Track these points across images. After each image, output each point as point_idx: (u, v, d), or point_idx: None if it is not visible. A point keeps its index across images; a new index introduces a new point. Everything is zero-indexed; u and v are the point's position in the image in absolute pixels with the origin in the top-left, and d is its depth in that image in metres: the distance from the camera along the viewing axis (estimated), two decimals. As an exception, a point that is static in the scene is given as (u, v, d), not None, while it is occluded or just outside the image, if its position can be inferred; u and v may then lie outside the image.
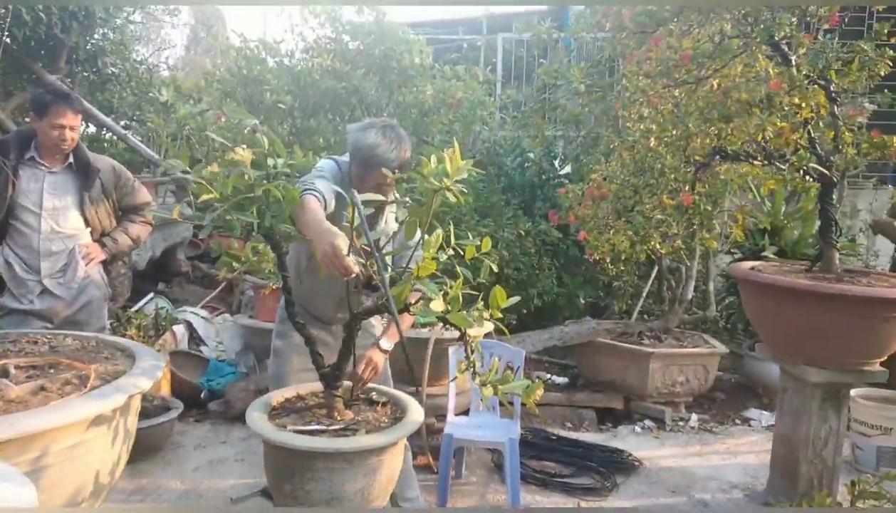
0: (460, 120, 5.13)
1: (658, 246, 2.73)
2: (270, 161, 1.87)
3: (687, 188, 2.44)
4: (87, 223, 2.91)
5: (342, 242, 1.71)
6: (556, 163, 5.65)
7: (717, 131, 2.36)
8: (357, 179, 2.21)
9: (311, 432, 1.88)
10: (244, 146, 1.77)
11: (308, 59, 5.03)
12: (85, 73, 5.68)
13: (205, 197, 1.77)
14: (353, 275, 1.72)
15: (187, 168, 1.73)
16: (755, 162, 2.47)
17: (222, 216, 1.84)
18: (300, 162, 2.08)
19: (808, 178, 2.54)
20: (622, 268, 3.63)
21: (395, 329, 2.23)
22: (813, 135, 2.62)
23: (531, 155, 5.61)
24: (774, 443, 3.18)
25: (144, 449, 3.27)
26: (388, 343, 2.29)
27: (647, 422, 4.17)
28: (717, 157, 2.48)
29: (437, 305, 1.68)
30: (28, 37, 4.79)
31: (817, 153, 2.52)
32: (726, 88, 2.28)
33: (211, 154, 4.71)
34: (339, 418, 2.00)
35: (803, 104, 2.25)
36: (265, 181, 1.82)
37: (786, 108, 2.27)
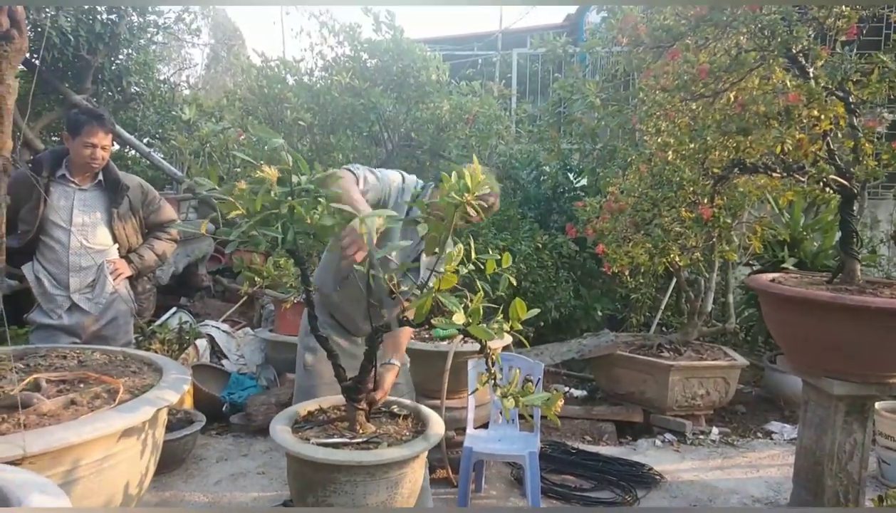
0: (476, 135, 5.17)
1: (677, 259, 2.72)
2: (294, 178, 1.91)
3: (706, 201, 2.44)
4: (114, 239, 2.98)
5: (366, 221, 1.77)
6: (572, 176, 5.67)
7: (735, 144, 2.37)
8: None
9: (334, 445, 1.90)
10: (270, 164, 1.81)
11: (327, 77, 5.11)
12: (110, 93, 5.82)
13: (233, 213, 1.81)
14: (364, 256, 1.81)
15: (215, 186, 1.78)
16: (774, 174, 2.46)
17: (248, 232, 1.89)
18: (321, 178, 2.13)
19: (827, 189, 2.53)
20: (640, 281, 3.62)
21: (399, 345, 2.27)
22: (832, 146, 2.62)
23: (547, 168, 5.64)
24: (797, 456, 3.14)
25: (168, 462, 3.32)
26: (398, 361, 2.31)
27: (668, 435, 4.14)
28: (736, 169, 2.49)
29: (459, 318, 1.70)
30: (56, 58, 4.93)
31: (837, 164, 2.51)
32: (744, 101, 2.29)
33: (232, 171, 4.80)
34: (361, 431, 2.01)
35: (822, 116, 2.25)
36: (289, 198, 1.87)
37: (804, 121, 2.27)
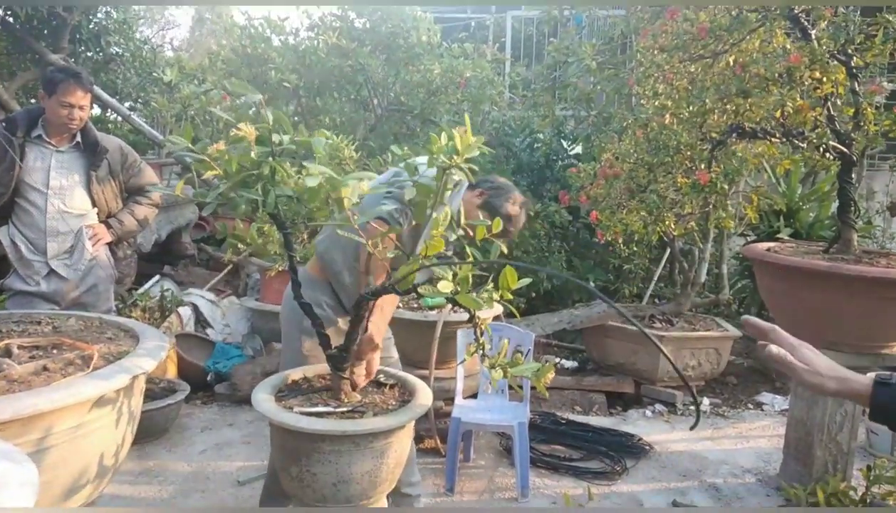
0: (469, 99, 5.05)
1: (672, 226, 2.65)
2: (276, 137, 1.82)
3: (703, 166, 2.37)
4: (93, 203, 2.88)
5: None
6: (566, 144, 5.57)
7: (734, 107, 2.28)
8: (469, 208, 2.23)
9: (318, 414, 1.84)
10: (247, 123, 1.72)
11: (314, 37, 4.95)
12: (88, 53, 5.63)
13: (209, 174, 1.72)
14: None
15: (190, 146, 1.68)
16: (773, 139, 2.39)
17: (226, 194, 1.80)
18: (305, 140, 2.03)
19: (827, 155, 2.46)
20: (634, 250, 3.56)
21: (382, 314, 2.17)
22: (832, 112, 2.54)
23: (541, 135, 5.54)
24: (788, 427, 3.13)
25: (151, 431, 3.27)
26: (374, 326, 2.12)
27: (658, 406, 4.13)
28: (734, 134, 2.41)
29: (446, 286, 1.63)
30: (30, 15, 4.74)
31: (837, 130, 2.44)
32: (744, 63, 2.20)
33: (216, 135, 4.66)
34: (345, 400, 1.96)
35: (824, 79, 2.16)
36: (270, 158, 1.77)
37: (806, 83, 2.18)
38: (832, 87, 2.18)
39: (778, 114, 2.27)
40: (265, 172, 1.82)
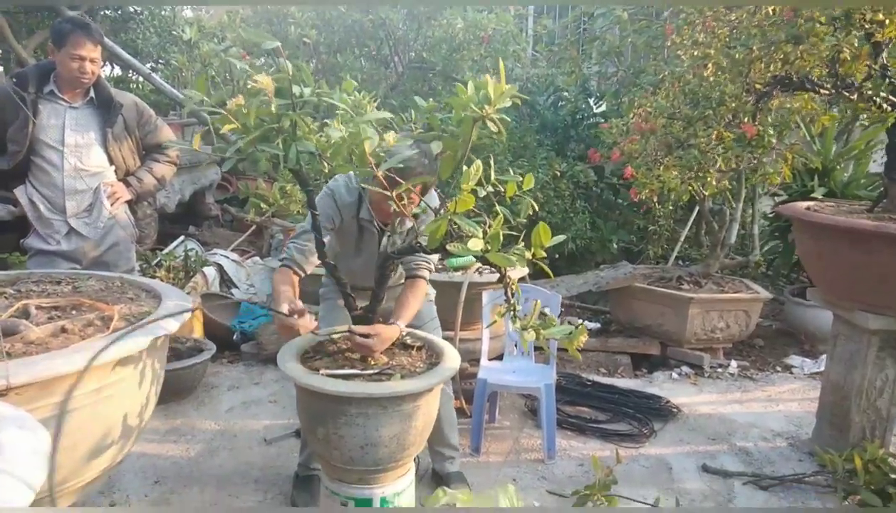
0: (492, 55, 4.89)
1: (713, 182, 2.52)
2: (296, 89, 1.73)
3: (746, 119, 2.23)
4: (110, 161, 2.83)
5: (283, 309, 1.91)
6: (592, 101, 5.40)
7: (782, 56, 2.13)
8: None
9: (345, 377, 1.80)
10: (265, 73, 1.63)
11: (333, -9, 4.79)
12: (106, 10, 5.53)
13: (226, 128, 1.65)
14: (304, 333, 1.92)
15: (204, 98, 1.60)
16: (822, 91, 2.24)
17: (246, 149, 1.72)
18: (327, 92, 1.94)
19: (884, 108, 2.28)
20: (671, 210, 3.41)
21: (408, 305, 2.10)
22: (885, 61, 2.38)
23: (566, 93, 5.37)
24: (823, 391, 3.05)
25: (178, 390, 3.29)
26: (403, 324, 2.07)
27: (685, 368, 4.06)
28: (779, 86, 2.26)
29: (476, 244, 1.55)
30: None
31: (892, 80, 2.28)
32: (795, 6, 2.04)
33: (237, 94, 4.56)
34: (372, 362, 1.91)
35: (887, 21, 1.99)
36: (291, 111, 1.69)
37: (867, 26, 2.02)
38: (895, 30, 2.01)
39: (830, 62, 2.11)
40: (286, 126, 1.74)
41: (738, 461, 2.94)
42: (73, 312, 1.63)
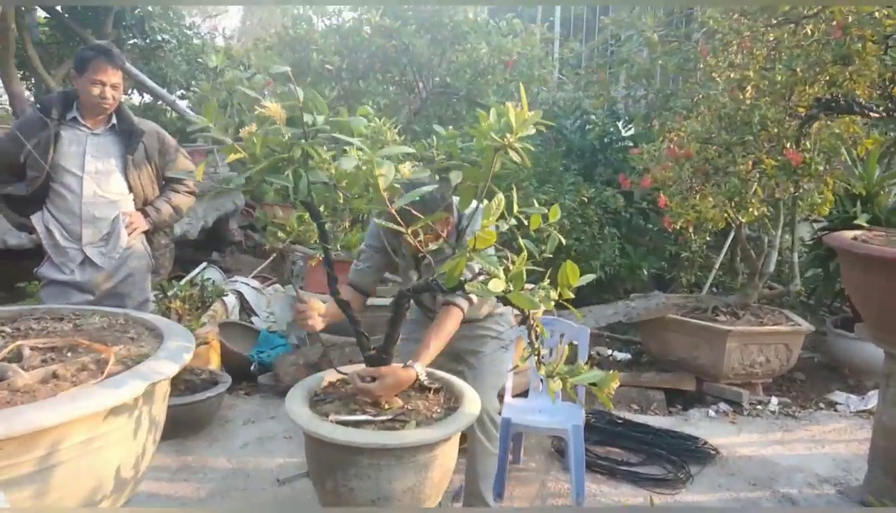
0: (517, 79, 4.79)
1: (755, 212, 2.36)
2: (308, 117, 1.64)
3: (789, 145, 2.08)
4: (130, 188, 2.79)
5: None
6: (621, 124, 5.26)
7: (828, 77, 1.98)
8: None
9: (355, 424, 1.68)
10: (274, 100, 1.55)
11: (356, 18, 4.77)
12: (134, 40, 5.60)
13: (232, 157, 1.57)
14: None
15: (210, 125, 1.52)
16: (873, 114, 2.08)
17: (256, 179, 1.63)
18: (343, 120, 1.85)
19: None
20: (706, 239, 3.25)
21: (430, 347, 1.94)
22: (940, 80, 2.20)
23: (593, 117, 5.24)
24: (875, 434, 2.82)
25: (191, 424, 3.19)
26: (421, 368, 1.90)
27: (722, 405, 3.84)
28: (824, 109, 2.11)
29: (497, 285, 1.43)
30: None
31: (949, 103, 2.11)
32: (844, 23, 1.89)
33: (251, 120, 4.54)
34: (386, 406, 1.79)
35: (945, 39, 1.85)
36: (302, 140, 1.60)
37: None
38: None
39: (883, 83, 1.95)
40: (296, 156, 1.65)
41: (783, 511, 2.73)
42: (69, 353, 1.54)
